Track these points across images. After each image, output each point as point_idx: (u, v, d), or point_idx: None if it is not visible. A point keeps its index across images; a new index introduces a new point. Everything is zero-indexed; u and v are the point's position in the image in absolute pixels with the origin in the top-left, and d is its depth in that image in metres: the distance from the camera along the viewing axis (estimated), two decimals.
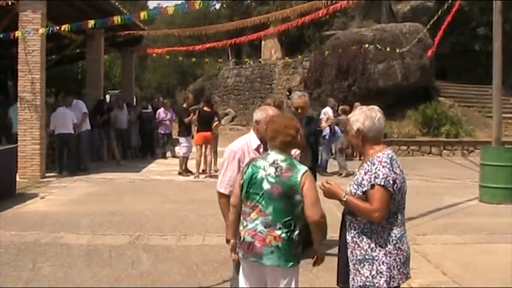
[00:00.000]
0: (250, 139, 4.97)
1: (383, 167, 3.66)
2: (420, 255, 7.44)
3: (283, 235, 3.90)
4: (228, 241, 4.49)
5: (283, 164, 3.97)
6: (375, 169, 3.67)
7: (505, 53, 13.11)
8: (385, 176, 3.62)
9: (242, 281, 4.19)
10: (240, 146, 4.95)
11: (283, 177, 3.93)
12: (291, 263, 3.93)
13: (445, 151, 21.82)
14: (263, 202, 3.94)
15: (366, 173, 3.71)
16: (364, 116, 3.83)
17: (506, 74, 14.56)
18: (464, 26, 27.79)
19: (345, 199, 3.72)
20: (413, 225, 9.15)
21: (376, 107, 3.92)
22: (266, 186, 3.95)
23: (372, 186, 3.63)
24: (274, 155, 4.04)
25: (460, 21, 24.00)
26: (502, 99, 14.09)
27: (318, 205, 3.90)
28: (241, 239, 4.07)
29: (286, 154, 4.06)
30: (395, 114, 22.23)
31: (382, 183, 3.61)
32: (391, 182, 3.62)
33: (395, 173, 3.67)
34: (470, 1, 26.14)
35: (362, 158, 3.95)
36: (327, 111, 16.41)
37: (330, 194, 3.81)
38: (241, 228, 4.09)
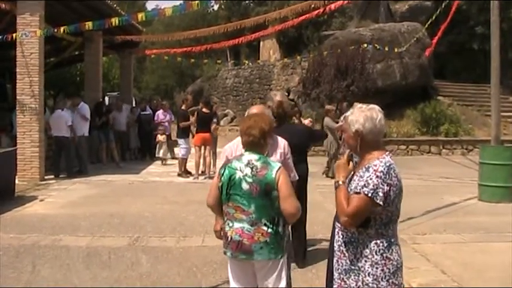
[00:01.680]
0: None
1: (376, 177, 3.38)
2: (419, 255, 7.45)
3: (270, 230, 4.05)
4: (216, 231, 4.51)
5: (258, 164, 4.08)
6: (367, 177, 3.40)
7: (502, 52, 13.13)
8: (375, 187, 3.36)
9: (233, 281, 4.29)
10: (230, 145, 5.10)
11: (260, 175, 4.04)
12: (280, 255, 4.12)
13: (444, 150, 21.87)
14: (244, 202, 4.06)
15: (358, 178, 3.48)
16: (365, 117, 3.54)
17: (504, 73, 14.61)
18: (463, 25, 27.84)
19: (337, 184, 3.54)
20: (413, 225, 9.18)
21: (377, 107, 3.64)
22: (245, 186, 4.06)
23: (357, 192, 3.40)
24: (248, 156, 4.17)
25: (458, 20, 24.02)
26: (501, 98, 14.08)
27: (292, 198, 4.02)
28: (229, 238, 4.15)
29: (259, 152, 4.17)
30: (394, 114, 22.26)
31: (369, 195, 3.35)
32: (381, 194, 3.36)
33: (389, 184, 3.39)
34: (468, 0, 26.17)
35: (357, 161, 3.70)
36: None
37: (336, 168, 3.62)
38: (227, 228, 4.18)
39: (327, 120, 15.04)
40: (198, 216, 9.86)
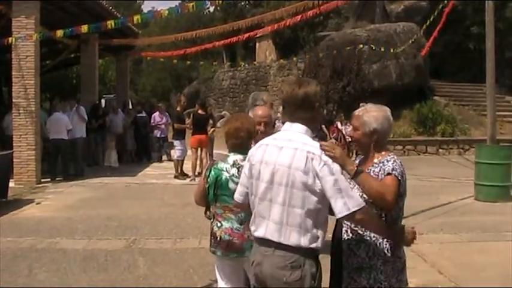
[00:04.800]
0: None
1: (399, 166, 3.44)
2: (416, 255, 7.45)
3: None
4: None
5: (244, 163, 4.01)
6: (392, 164, 3.44)
7: (498, 52, 13.14)
8: (401, 173, 3.41)
9: (222, 282, 4.36)
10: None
11: None
12: None
13: (440, 150, 21.91)
14: (232, 201, 3.98)
15: (379, 168, 3.49)
16: (383, 117, 3.59)
17: (499, 73, 14.63)
18: (458, 25, 27.84)
19: (360, 170, 3.29)
20: (410, 225, 9.16)
21: (387, 108, 3.69)
22: (232, 186, 4.08)
23: (388, 174, 3.41)
24: (233, 156, 4.25)
25: (453, 20, 24.02)
26: (496, 98, 14.14)
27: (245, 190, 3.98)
28: (218, 238, 4.22)
29: (245, 153, 4.08)
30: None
31: (399, 177, 3.39)
32: (402, 177, 3.42)
33: (404, 178, 3.46)
34: (463, 0, 26.20)
35: (361, 160, 3.69)
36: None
37: (339, 163, 3.31)
38: (215, 229, 4.25)
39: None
40: (195, 218, 9.83)
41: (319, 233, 3.23)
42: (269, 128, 4.70)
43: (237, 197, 3.64)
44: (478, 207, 11.24)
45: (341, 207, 3.10)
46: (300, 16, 16.69)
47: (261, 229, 3.33)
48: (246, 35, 19.70)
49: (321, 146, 3.23)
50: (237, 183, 3.93)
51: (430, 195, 12.32)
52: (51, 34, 14.60)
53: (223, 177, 4.18)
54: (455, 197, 12.00)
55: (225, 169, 4.20)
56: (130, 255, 7.61)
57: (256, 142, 4.49)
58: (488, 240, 8.50)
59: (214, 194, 4.22)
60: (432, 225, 9.42)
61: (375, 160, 3.55)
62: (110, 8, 18.24)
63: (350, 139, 12.76)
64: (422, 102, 23.31)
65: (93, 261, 7.32)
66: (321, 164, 3.15)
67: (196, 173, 15.02)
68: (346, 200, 3.10)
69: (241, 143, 4.24)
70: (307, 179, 3.15)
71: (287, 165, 3.21)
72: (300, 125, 3.33)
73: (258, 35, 24.59)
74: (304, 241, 3.18)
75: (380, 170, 3.47)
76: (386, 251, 3.47)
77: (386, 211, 3.42)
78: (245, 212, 4.00)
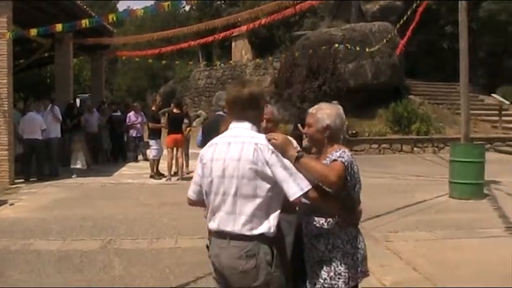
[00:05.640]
0: None
1: (347, 156, 3.58)
2: (392, 253, 7.51)
3: None
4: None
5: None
6: (340, 153, 3.58)
7: (472, 51, 13.28)
8: (348, 161, 3.55)
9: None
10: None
11: None
12: None
13: (415, 148, 22.04)
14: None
15: (327, 163, 3.60)
16: (335, 114, 3.76)
17: (473, 72, 14.79)
18: (432, 24, 28.09)
19: (300, 155, 3.38)
20: (385, 223, 9.25)
21: (340, 106, 3.87)
22: None
23: (334, 160, 3.55)
24: None
25: (428, 20, 24.20)
26: (471, 97, 14.30)
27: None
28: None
29: None
30: (365, 113, 22.42)
31: (346, 164, 3.52)
32: (349, 170, 3.56)
33: (352, 168, 3.59)
34: (438, 0, 26.44)
35: (318, 156, 3.80)
36: None
37: (281, 150, 3.38)
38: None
39: None
40: (171, 218, 9.83)
41: (271, 219, 3.36)
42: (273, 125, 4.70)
43: (191, 194, 3.73)
44: (453, 205, 11.35)
45: (295, 189, 3.28)
46: (275, 15, 16.73)
47: (215, 222, 3.46)
48: (222, 34, 19.66)
49: (266, 136, 3.41)
50: None
51: (405, 194, 12.40)
52: (24, 33, 14.43)
53: None
54: (430, 195, 12.09)
55: None
56: (106, 256, 7.55)
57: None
58: (462, 238, 8.58)
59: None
60: (407, 223, 9.48)
61: (328, 155, 3.67)
62: (85, 7, 18.08)
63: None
64: (397, 101, 23.42)
65: (68, 262, 7.25)
66: (269, 153, 3.33)
67: (172, 173, 14.99)
68: (299, 182, 3.29)
69: None
70: (257, 168, 3.32)
71: (237, 159, 3.37)
72: (246, 123, 3.50)
73: (234, 34, 24.57)
74: (256, 228, 3.33)
75: (331, 157, 3.62)
76: (345, 243, 3.61)
77: (332, 190, 3.48)
78: None
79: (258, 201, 3.33)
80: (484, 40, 29.26)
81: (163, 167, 15.41)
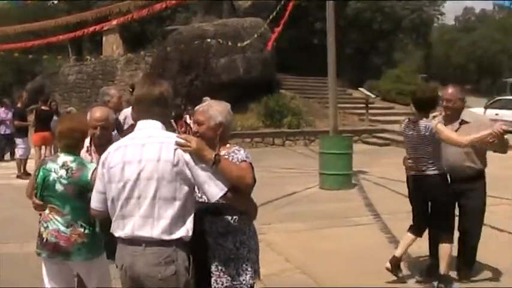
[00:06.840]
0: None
1: (244, 151, 3.70)
2: (264, 244, 7.46)
3: (87, 231, 4.14)
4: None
5: (73, 165, 4.12)
6: (239, 154, 3.67)
7: (339, 47, 13.73)
8: (249, 156, 3.66)
9: (48, 283, 4.28)
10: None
11: (75, 177, 4.10)
12: (98, 254, 4.22)
13: (287, 142, 22.46)
14: (59, 203, 4.10)
15: (232, 157, 3.67)
16: (225, 110, 3.76)
17: (341, 67, 15.26)
18: (303, 20, 28.81)
19: (216, 158, 3.34)
20: (258, 216, 9.25)
21: (228, 104, 3.89)
22: (60, 188, 4.09)
23: (244, 160, 3.62)
24: (63, 157, 4.19)
25: (298, 16, 24.80)
26: (339, 91, 14.75)
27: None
28: (44, 240, 4.16)
29: (75, 154, 4.22)
30: (238, 108, 22.46)
31: (249, 161, 3.62)
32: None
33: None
34: None
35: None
36: None
37: (197, 154, 3.33)
38: (42, 229, 4.19)
39: None
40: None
41: (188, 222, 3.33)
42: (107, 131, 4.69)
43: (97, 205, 3.54)
44: (323, 196, 11.65)
45: (215, 190, 3.29)
46: (147, 10, 16.46)
47: (127, 228, 3.29)
48: (92, 28, 19.07)
49: (176, 141, 3.30)
50: (64, 185, 4.02)
51: (278, 186, 12.50)
52: None
53: (51, 178, 4.13)
54: (302, 187, 12.33)
55: (53, 170, 4.14)
56: None
57: (95, 146, 4.42)
58: (333, 227, 8.81)
59: (41, 195, 4.18)
60: (280, 215, 9.61)
61: (222, 152, 3.64)
62: None
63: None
64: (269, 95, 23.77)
65: None
66: (188, 153, 3.27)
67: None
68: (218, 183, 3.30)
69: (75, 144, 4.22)
70: (177, 169, 3.25)
71: (155, 159, 3.25)
72: (155, 122, 3.41)
73: (104, 29, 23.93)
74: (175, 233, 3.25)
75: (233, 159, 3.61)
76: (250, 239, 3.71)
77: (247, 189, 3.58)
78: (72, 214, 4.06)
79: (177, 204, 3.26)
80: (351, 37, 30.43)
81: (31, 165, 14.65)
